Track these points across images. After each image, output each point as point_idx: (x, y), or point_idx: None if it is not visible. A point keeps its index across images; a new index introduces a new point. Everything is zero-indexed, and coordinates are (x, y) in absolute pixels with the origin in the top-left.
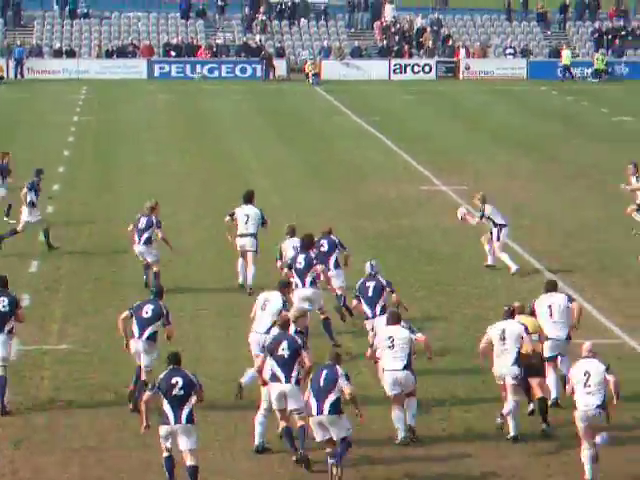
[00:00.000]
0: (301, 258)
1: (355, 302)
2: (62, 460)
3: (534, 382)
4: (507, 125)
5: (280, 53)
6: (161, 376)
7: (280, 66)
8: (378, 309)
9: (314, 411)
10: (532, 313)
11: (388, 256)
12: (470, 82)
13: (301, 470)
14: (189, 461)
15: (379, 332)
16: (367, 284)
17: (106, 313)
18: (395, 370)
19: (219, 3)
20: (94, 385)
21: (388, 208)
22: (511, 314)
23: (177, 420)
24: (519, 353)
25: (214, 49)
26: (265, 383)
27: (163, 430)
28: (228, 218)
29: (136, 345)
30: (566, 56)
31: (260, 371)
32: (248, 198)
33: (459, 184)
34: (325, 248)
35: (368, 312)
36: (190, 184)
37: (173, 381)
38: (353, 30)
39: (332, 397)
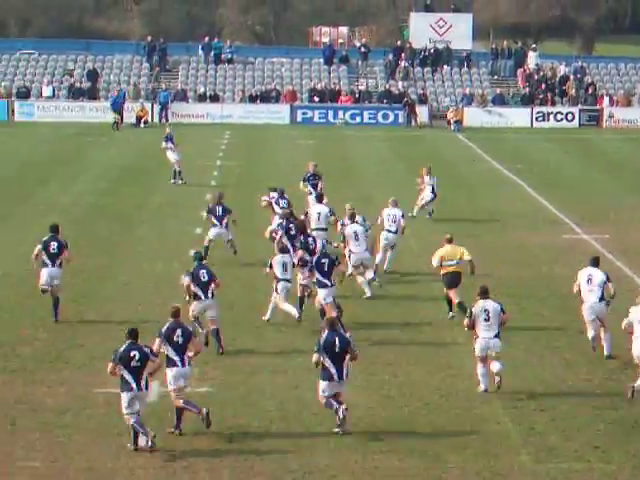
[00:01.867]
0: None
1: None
2: None
3: (452, 292)
4: None
5: (422, 99)
6: (121, 349)
7: (422, 112)
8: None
9: (336, 376)
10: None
11: (528, 303)
12: (613, 131)
13: None
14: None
15: (477, 305)
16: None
17: (246, 356)
18: (488, 338)
19: (362, 50)
20: (233, 428)
21: (529, 255)
22: None
23: (139, 388)
24: None
25: (357, 95)
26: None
27: (127, 396)
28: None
29: (204, 304)
30: None
31: (156, 354)
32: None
33: (601, 233)
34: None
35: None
36: (331, 228)
37: (132, 354)
38: (496, 77)
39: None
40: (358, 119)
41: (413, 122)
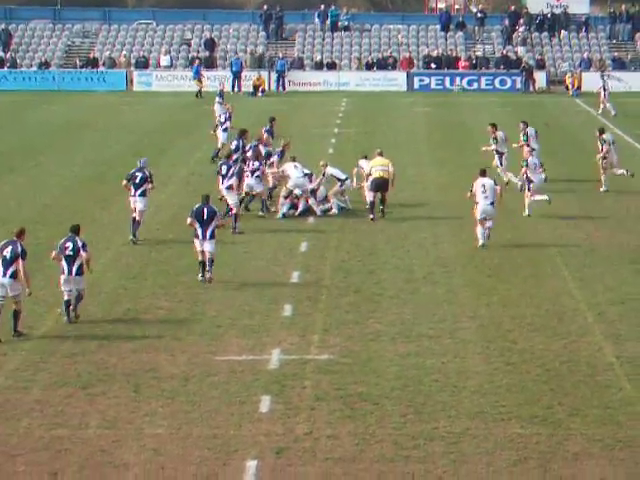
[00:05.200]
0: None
1: None
2: (323, 470)
3: (376, 194)
4: None
5: (540, 65)
6: (61, 241)
7: (540, 78)
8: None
9: (201, 236)
10: None
11: None
12: None
13: None
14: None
15: (476, 181)
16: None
17: (366, 324)
18: (485, 205)
19: (479, 15)
20: (354, 395)
21: None
22: None
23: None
24: None
25: (473, 61)
26: None
27: (62, 278)
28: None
29: None
30: None
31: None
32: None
33: None
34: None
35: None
36: (449, 195)
37: (66, 245)
38: (614, 41)
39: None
40: (475, 85)
41: (531, 87)
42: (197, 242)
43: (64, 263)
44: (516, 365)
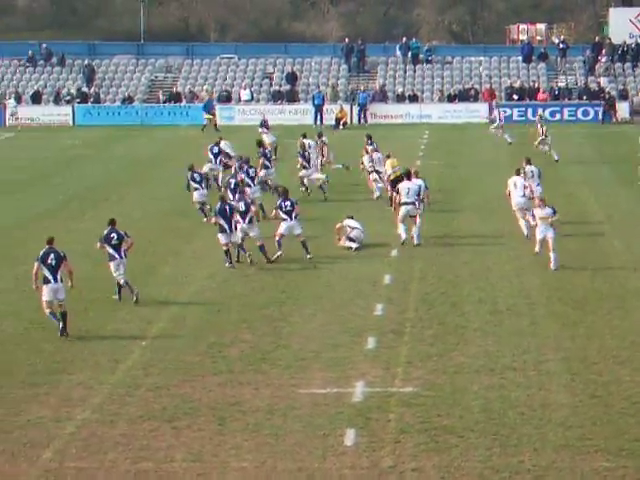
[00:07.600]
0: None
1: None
2: None
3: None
4: None
5: (623, 95)
6: (105, 233)
7: (623, 108)
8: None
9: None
10: None
11: None
12: None
13: None
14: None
15: (510, 179)
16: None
17: (450, 357)
18: (518, 197)
19: (561, 46)
20: (438, 428)
21: None
22: None
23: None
24: None
25: (556, 92)
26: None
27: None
28: None
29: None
30: None
31: (35, 274)
32: None
33: None
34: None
35: None
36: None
37: (111, 235)
38: None
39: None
40: (557, 116)
41: (613, 118)
42: (222, 236)
43: (112, 251)
44: (602, 397)
